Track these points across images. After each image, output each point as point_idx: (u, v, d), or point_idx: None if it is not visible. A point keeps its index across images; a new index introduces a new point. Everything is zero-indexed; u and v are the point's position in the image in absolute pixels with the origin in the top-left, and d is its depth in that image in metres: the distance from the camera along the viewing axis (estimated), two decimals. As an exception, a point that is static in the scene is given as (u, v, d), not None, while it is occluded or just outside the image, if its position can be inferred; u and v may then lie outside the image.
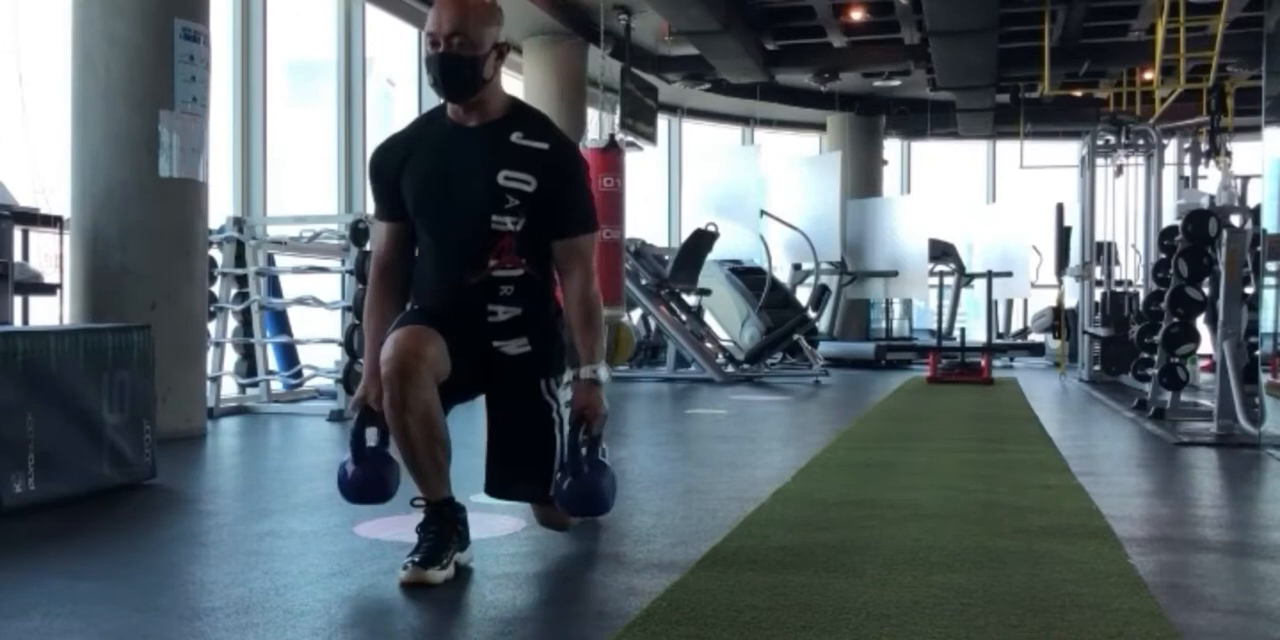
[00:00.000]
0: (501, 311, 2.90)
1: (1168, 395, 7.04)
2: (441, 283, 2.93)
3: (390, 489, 2.97)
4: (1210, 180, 10.76)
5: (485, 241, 2.85)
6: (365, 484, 2.96)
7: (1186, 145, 11.74)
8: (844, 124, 15.60)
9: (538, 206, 2.85)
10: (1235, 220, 7.06)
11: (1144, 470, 5.17)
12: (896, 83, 14.00)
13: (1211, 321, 6.47)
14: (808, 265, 13.81)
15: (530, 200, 2.84)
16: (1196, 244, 6.79)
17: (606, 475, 2.99)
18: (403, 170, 2.91)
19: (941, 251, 14.35)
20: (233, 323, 7.23)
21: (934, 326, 14.06)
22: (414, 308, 2.97)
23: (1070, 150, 13.05)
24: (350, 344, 6.78)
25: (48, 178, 6.51)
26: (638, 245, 11.29)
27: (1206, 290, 6.76)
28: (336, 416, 6.51)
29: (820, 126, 15.91)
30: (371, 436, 2.91)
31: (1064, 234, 12.25)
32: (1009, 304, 15.78)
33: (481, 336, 2.91)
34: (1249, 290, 6.17)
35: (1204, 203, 7.72)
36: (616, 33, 11.20)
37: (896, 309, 15.74)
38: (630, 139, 10.79)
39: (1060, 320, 12.47)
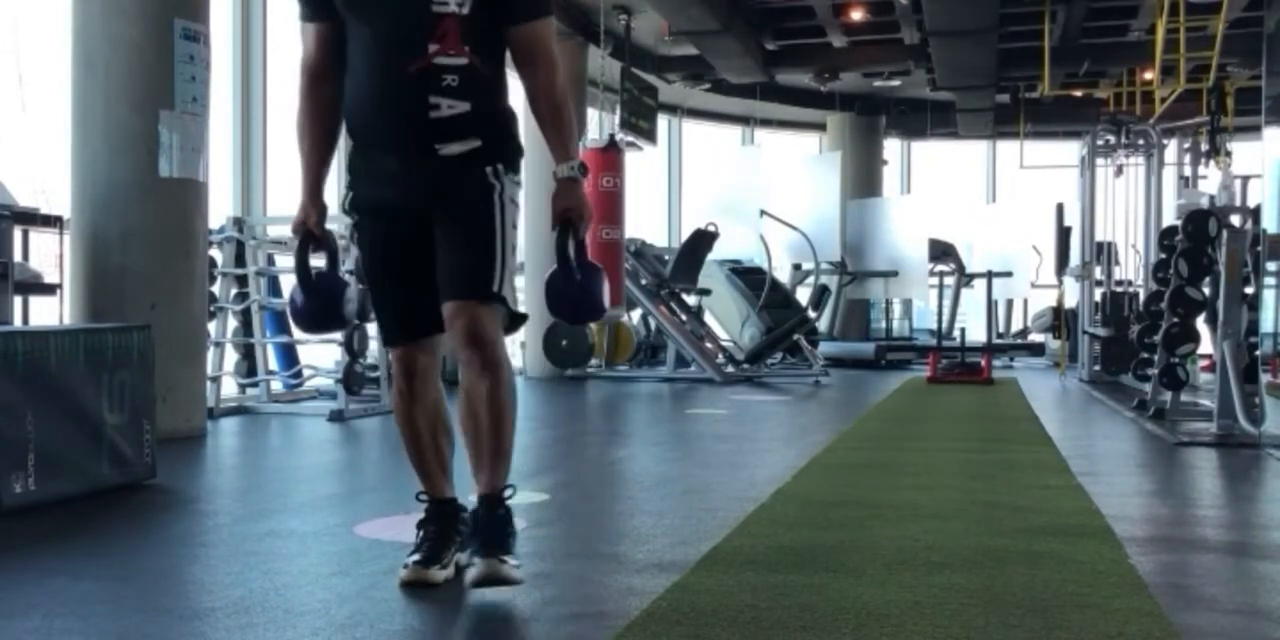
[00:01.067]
0: (445, 106, 2.58)
1: (1168, 395, 7.04)
2: (373, 75, 2.62)
3: (345, 316, 2.86)
4: (1210, 180, 10.75)
5: (424, 25, 2.55)
6: (318, 313, 2.84)
7: (1186, 145, 11.74)
8: (844, 124, 15.61)
9: None
10: (1235, 220, 7.05)
11: (1144, 470, 5.18)
12: (896, 83, 14.01)
13: (1211, 321, 6.47)
14: (808, 265, 13.82)
15: None
16: (1196, 244, 6.79)
17: (599, 277, 2.74)
18: None
19: (941, 251, 14.36)
20: (233, 323, 7.24)
21: (934, 326, 14.07)
22: (364, 228, 2.69)
23: (1070, 150, 13.06)
24: (350, 344, 6.78)
25: (48, 178, 6.51)
26: (638, 245, 11.30)
27: (1206, 290, 6.76)
28: (337, 416, 6.51)
29: (820, 126, 15.92)
30: (316, 261, 2.80)
31: (1064, 234, 12.25)
32: (1009, 304, 15.79)
33: (423, 139, 2.60)
34: (1249, 290, 6.16)
35: (1204, 203, 7.71)
36: (616, 33, 11.20)
37: (896, 309, 15.76)
38: (630, 139, 10.79)
39: (1060, 320, 12.48)
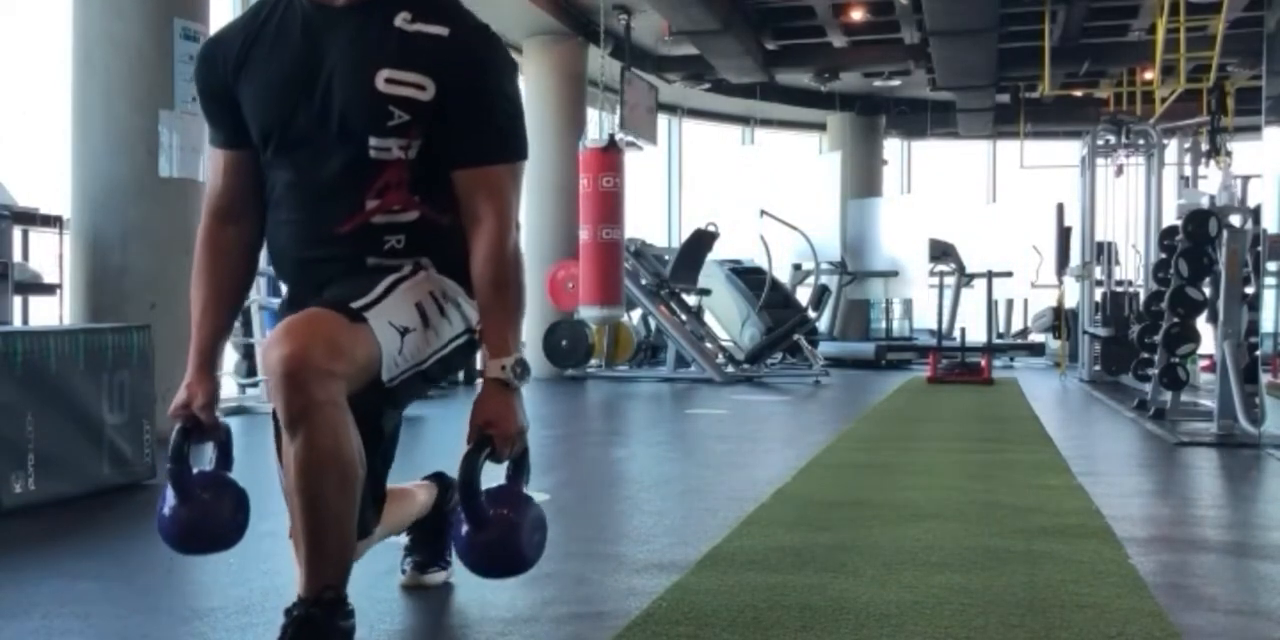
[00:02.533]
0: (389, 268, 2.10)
1: (1168, 395, 7.04)
2: (298, 237, 2.10)
3: (233, 532, 2.24)
4: (1210, 180, 10.76)
5: (360, 176, 2.03)
6: (193, 525, 2.22)
7: (1186, 145, 11.74)
8: (844, 124, 15.60)
9: (438, 121, 2.03)
10: (1235, 220, 7.05)
11: (1144, 470, 5.17)
12: (896, 83, 14.01)
13: (1212, 321, 6.47)
14: (808, 265, 13.82)
15: (426, 112, 2.01)
16: (1197, 244, 6.79)
17: (527, 516, 2.12)
18: (239, 73, 2.08)
19: (941, 251, 14.36)
20: (233, 323, 7.23)
21: (934, 326, 14.08)
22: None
23: (1070, 150, 13.06)
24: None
25: (47, 178, 6.52)
26: (638, 245, 11.30)
27: (1207, 290, 6.76)
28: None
29: (820, 126, 15.92)
30: (200, 457, 2.23)
31: (1064, 234, 12.26)
32: (1009, 304, 15.80)
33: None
34: (1249, 290, 6.16)
35: (1204, 203, 7.71)
36: (616, 33, 11.19)
37: (896, 309, 15.76)
38: (630, 139, 10.80)
39: (1060, 320, 12.48)
